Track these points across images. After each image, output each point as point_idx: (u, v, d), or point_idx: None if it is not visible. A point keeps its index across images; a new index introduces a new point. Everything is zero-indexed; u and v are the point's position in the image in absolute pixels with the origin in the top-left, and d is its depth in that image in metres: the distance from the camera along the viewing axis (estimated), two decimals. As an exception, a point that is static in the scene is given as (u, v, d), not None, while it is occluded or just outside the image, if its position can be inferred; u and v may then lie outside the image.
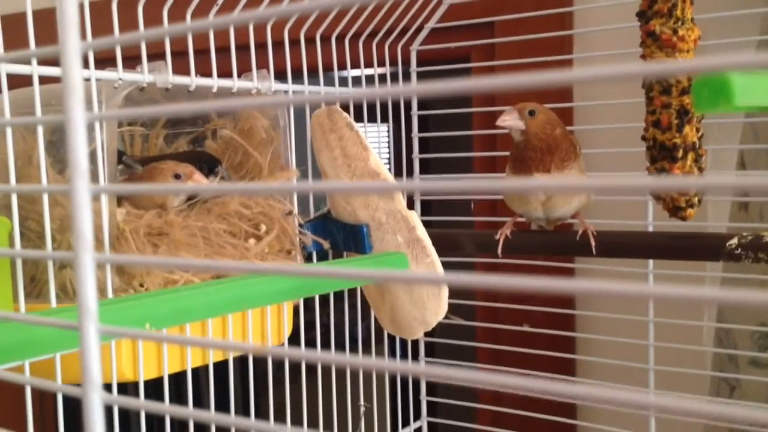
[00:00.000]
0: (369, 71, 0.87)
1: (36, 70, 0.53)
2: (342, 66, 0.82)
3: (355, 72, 0.84)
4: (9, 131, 0.54)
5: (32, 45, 0.50)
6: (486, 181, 0.24)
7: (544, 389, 0.23)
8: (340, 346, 0.84)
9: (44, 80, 0.55)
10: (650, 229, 0.80)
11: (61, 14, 0.27)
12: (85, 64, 0.56)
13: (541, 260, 0.92)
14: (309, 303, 0.77)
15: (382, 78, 0.88)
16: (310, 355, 0.27)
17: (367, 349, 0.89)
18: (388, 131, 0.94)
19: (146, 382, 0.62)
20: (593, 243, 0.71)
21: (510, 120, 0.70)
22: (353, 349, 0.86)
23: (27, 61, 0.53)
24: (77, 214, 0.28)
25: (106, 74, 0.59)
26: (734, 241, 0.63)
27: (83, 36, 0.28)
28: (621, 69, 0.21)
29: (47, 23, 0.52)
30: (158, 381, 0.63)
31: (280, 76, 0.74)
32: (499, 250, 0.76)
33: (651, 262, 0.81)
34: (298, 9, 0.28)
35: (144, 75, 0.61)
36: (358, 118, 0.77)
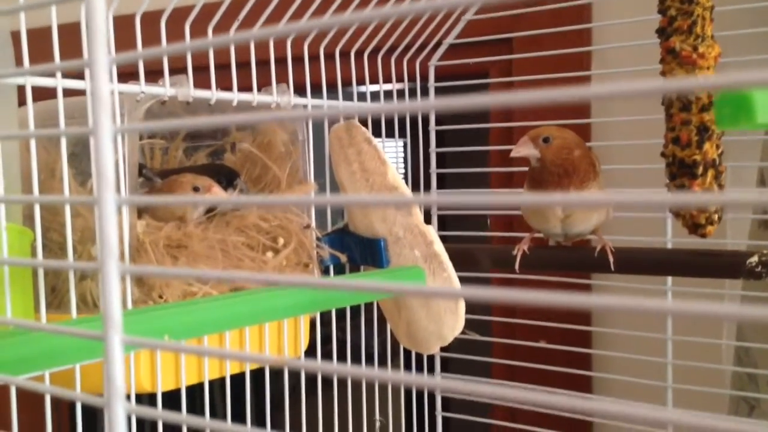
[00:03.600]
0: (387, 86, 0.88)
1: (60, 83, 0.54)
2: (361, 81, 0.82)
3: (374, 87, 0.84)
4: (33, 144, 0.54)
5: (57, 58, 0.51)
6: (503, 196, 0.24)
7: (559, 404, 0.23)
8: (355, 361, 0.84)
9: (67, 93, 0.56)
10: (669, 245, 0.79)
11: (90, 28, 0.27)
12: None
13: (558, 276, 0.91)
14: (325, 317, 0.77)
15: (401, 93, 0.89)
16: (326, 367, 0.27)
17: (382, 365, 0.88)
18: (405, 146, 0.94)
19: (162, 394, 0.62)
20: (611, 259, 0.71)
21: (524, 150, 0.70)
22: (369, 364, 0.86)
23: (52, 74, 0.54)
24: (103, 224, 0.28)
25: (129, 87, 0.59)
26: (755, 258, 0.63)
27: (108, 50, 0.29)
28: (638, 85, 0.22)
29: (70, 37, 0.53)
30: (174, 393, 0.64)
31: (300, 90, 0.75)
32: (517, 266, 0.76)
33: (669, 279, 0.81)
34: (316, 25, 0.29)
35: (166, 89, 0.61)
36: (376, 132, 0.78)
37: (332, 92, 0.80)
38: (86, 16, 0.28)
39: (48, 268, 0.54)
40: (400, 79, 0.89)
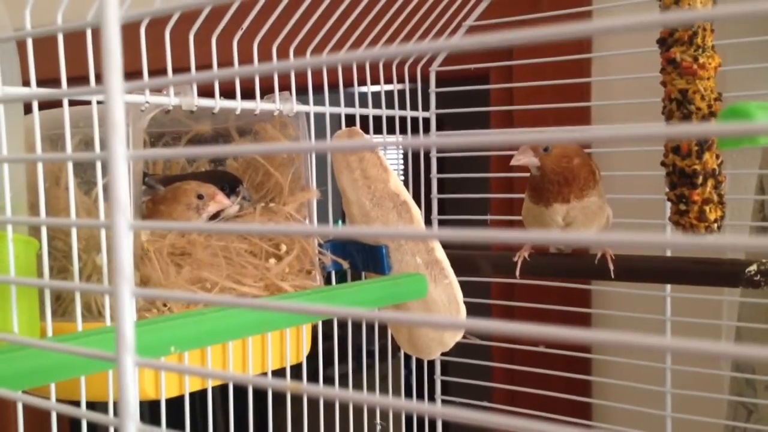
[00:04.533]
0: (388, 87, 0.88)
1: (66, 98, 0.54)
2: (362, 83, 0.83)
3: (375, 88, 0.85)
4: (39, 146, 0.55)
5: (64, 84, 0.51)
6: (507, 233, 0.25)
7: None
8: (357, 359, 0.85)
9: (71, 101, 0.56)
10: (668, 253, 0.80)
11: (107, 58, 0.28)
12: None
13: (557, 282, 0.92)
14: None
15: (402, 95, 0.89)
16: (328, 392, 0.28)
17: (383, 361, 0.89)
18: (405, 152, 0.95)
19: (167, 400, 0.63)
20: (611, 267, 0.71)
21: (524, 158, 0.71)
22: (371, 361, 0.87)
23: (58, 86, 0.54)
24: (117, 249, 0.29)
25: (134, 97, 0.60)
26: (753, 267, 0.63)
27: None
28: (642, 131, 0.22)
29: (74, 40, 0.53)
30: (177, 398, 0.64)
31: (302, 92, 0.75)
32: (518, 273, 0.76)
33: (668, 285, 0.81)
34: (320, 62, 0.29)
35: (170, 98, 0.62)
36: (377, 135, 0.78)
37: (333, 92, 0.80)
38: (102, 45, 0.28)
39: (61, 289, 0.54)
40: (401, 81, 0.90)
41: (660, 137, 0.19)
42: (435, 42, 0.23)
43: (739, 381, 0.82)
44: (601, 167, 0.77)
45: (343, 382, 0.83)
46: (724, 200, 0.65)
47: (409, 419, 0.93)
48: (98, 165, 0.57)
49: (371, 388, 0.86)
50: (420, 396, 0.97)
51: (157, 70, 0.58)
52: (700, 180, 0.63)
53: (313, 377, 0.80)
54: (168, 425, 0.59)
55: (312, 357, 0.77)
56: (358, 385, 0.86)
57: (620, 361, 0.91)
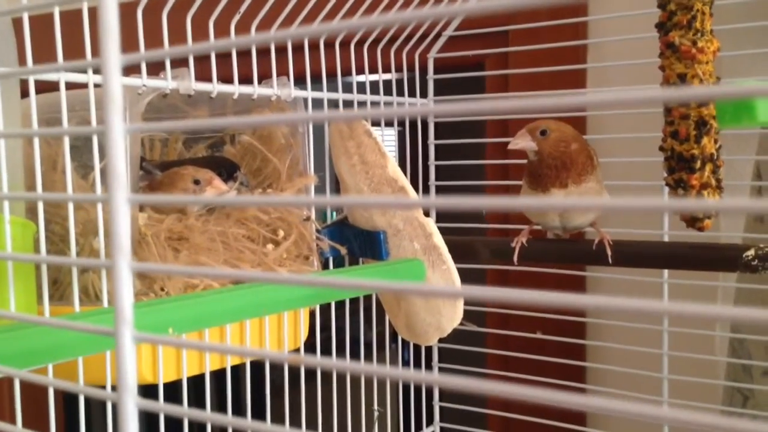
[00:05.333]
0: (387, 76, 0.88)
1: (63, 77, 0.54)
2: (360, 71, 0.83)
3: (374, 77, 0.84)
4: (36, 139, 0.54)
5: (60, 58, 0.51)
6: (504, 200, 0.24)
7: (555, 400, 0.23)
8: (354, 348, 0.85)
9: (68, 85, 0.56)
10: (665, 238, 0.80)
11: (103, 27, 0.28)
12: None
13: (554, 268, 0.92)
14: (324, 304, 0.77)
15: (399, 84, 0.89)
16: (325, 363, 0.28)
17: (381, 351, 0.89)
18: (402, 135, 0.94)
19: (164, 384, 0.63)
20: (609, 252, 0.71)
21: (522, 143, 0.70)
22: (367, 351, 0.87)
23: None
24: (115, 222, 0.29)
25: (131, 81, 0.60)
26: (751, 252, 0.64)
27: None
28: (635, 95, 0.22)
29: (71, 22, 0.53)
30: (174, 383, 0.64)
31: (300, 80, 0.75)
32: (515, 258, 0.76)
33: (665, 271, 0.81)
34: (323, 30, 0.29)
35: (167, 82, 0.61)
36: (373, 122, 0.78)
37: (331, 81, 0.80)
38: (99, 16, 0.28)
39: (62, 264, 0.54)
40: (399, 70, 0.89)
41: (656, 100, 0.19)
42: (450, 6, 0.23)
43: (735, 367, 0.83)
44: (599, 153, 0.77)
45: (340, 375, 0.83)
46: (722, 185, 0.65)
47: (406, 405, 0.93)
48: (95, 148, 0.57)
49: (369, 379, 0.86)
50: (417, 386, 0.97)
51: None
52: (698, 164, 0.63)
53: (310, 370, 0.79)
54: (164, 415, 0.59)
55: (309, 350, 0.76)
56: (355, 377, 0.86)
57: (615, 324, 0.90)
